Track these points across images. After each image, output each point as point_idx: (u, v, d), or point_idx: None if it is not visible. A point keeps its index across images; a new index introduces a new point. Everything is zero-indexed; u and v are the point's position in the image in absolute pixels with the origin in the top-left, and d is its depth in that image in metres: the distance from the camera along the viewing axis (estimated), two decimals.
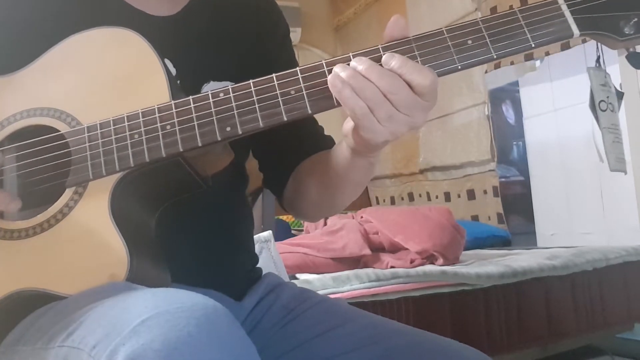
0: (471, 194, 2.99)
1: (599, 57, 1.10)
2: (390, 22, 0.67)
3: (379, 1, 3.63)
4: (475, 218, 2.96)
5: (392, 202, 3.60)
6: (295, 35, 3.60)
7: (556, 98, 2.61)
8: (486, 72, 2.75)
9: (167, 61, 0.77)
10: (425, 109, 0.65)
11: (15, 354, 0.64)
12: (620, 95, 1.20)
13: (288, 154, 0.90)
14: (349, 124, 0.70)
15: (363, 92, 0.63)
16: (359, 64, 0.64)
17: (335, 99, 0.65)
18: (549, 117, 2.65)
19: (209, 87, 0.84)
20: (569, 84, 2.52)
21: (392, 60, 0.64)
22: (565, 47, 2.25)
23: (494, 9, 2.72)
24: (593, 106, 1.16)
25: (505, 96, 3.08)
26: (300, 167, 0.89)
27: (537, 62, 2.62)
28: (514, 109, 3.02)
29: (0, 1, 0.82)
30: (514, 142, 3.09)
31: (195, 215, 0.80)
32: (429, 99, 0.64)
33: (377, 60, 0.66)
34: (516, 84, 2.83)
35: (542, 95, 2.67)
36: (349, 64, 0.65)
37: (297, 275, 1.86)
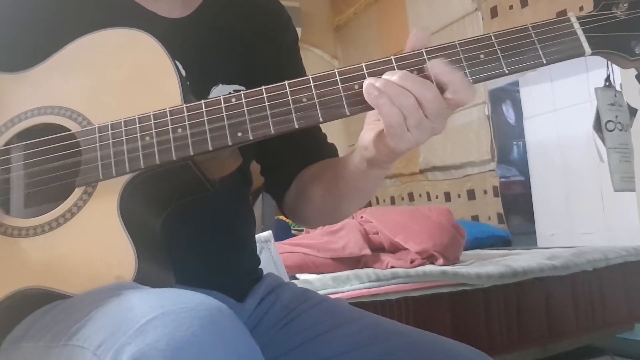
0: (471, 194, 2.99)
1: (608, 77, 1.10)
2: (413, 34, 0.68)
3: (379, 1, 3.63)
4: (475, 218, 2.96)
5: (392, 202, 3.60)
6: None
7: (556, 98, 2.61)
8: None
9: (177, 63, 0.77)
10: (447, 117, 0.66)
11: (18, 350, 0.64)
12: (633, 112, 1.19)
13: (291, 160, 0.90)
14: (368, 135, 0.70)
15: (398, 99, 0.64)
16: (392, 75, 0.65)
17: (347, 106, 0.66)
18: (549, 117, 2.65)
19: (218, 90, 0.84)
20: (569, 84, 2.52)
21: (441, 67, 0.65)
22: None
23: (493, 9, 2.73)
24: (599, 127, 1.15)
25: (505, 96, 3.08)
26: (304, 173, 0.89)
27: None
28: (514, 109, 3.02)
29: (15, 0, 0.82)
30: (514, 142, 3.09)
31: (199, 217, 0.80)
32: (454, 109, 0.66)
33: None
34: (516, 84, 2.82)
35: (542, 95, 2.67)
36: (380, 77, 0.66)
37: (297, 275, 1.86)
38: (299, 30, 4.07)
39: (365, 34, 3.76)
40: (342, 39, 4.05)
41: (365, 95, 0.65)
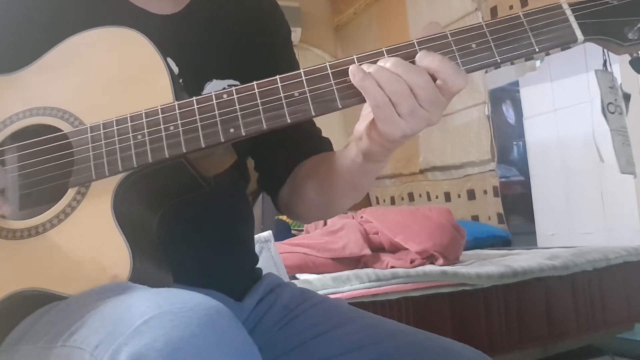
0: (471, 194, 2.99)
1: (605, 62, 1.09)
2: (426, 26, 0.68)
3: (379, 1, 3.63)
4: (475, 218, 2.96)
5: (392, 202, 3.60)
6: (295, 35, 3.60)
7: (556, 98, 2.61)
8: (486, 72, 2.74)
9: (169, 60, 0.77)
10: (443, 107, 0.66)
11: (17, 352, 0.64)
12: (627, 97, 1.19)
13: (285, 155, 0.90)
14: (361, 126, 0.70)
15: (388, 85, 0.63)
16: (385, 62, 0.65)
17: (339, 99, 0.66)
18: (549, 117, 2.65)
19: (212, 86, 0.84)
20: (569, 84, 2.52)
21: (428, 57, 0.65)
22: (566, 47, 2.24)
23: (494, 9, 2.72)
24: (603, 108, 1.15)
25: (505, 96, 3.08)
26: (299, 169, 0.89)
27: (537, 62, 2.62)
28: (514, 109, 3.02)
29: (2, 0, 0.82)
30: (514, 142, 3.09)
31: (196, 216, 0.80)
32: (448, 98, 0.65)
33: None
34: (516, 84, 2.82)
35: (542, 95, 2.67)
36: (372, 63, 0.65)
37: (297, 275, 1.86)
38: (299, 30, 4.06)
39: (365, 34, 3.76)
40: (342, 39, 4.05)
41: (350, 78, 0.65)
